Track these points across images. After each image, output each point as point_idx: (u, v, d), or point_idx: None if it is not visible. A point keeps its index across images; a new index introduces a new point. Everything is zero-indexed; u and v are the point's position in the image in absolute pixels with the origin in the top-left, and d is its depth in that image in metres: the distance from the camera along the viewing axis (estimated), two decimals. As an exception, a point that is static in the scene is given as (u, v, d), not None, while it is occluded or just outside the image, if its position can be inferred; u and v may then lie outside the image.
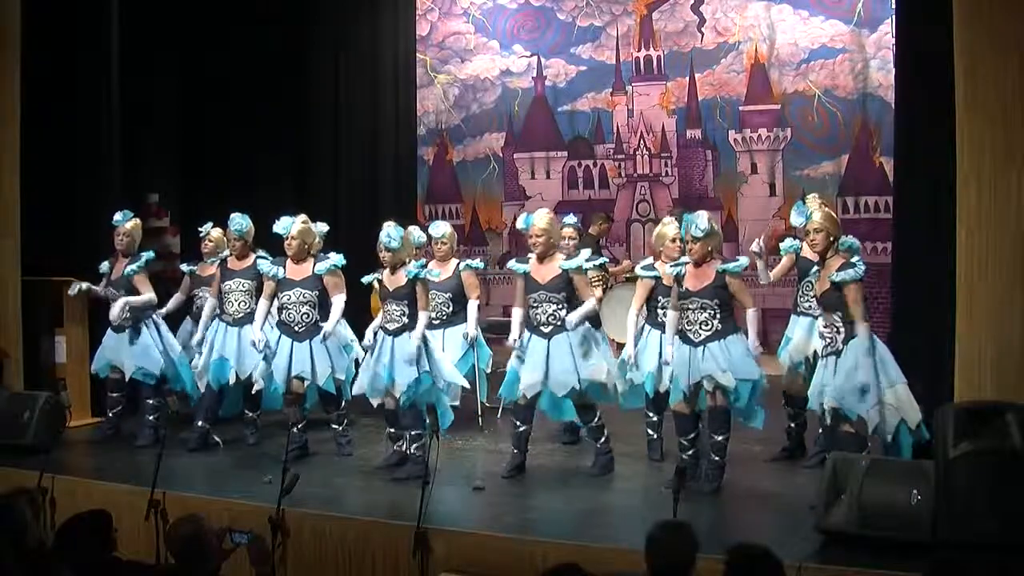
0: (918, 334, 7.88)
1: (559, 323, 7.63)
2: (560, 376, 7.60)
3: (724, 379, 7.22)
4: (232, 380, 8.69)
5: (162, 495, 6.66)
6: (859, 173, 12.17)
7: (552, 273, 7.68)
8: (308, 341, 8.25)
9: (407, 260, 7.97)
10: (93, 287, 9.26)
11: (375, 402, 8.01)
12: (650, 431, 8.35)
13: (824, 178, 12.32)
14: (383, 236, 7.85)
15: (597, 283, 8.91)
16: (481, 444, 8.95)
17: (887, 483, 6.17)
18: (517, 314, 7.87)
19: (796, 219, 7.34)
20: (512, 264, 7.90)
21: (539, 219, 7.72)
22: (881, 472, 6.26)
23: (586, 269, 7.85)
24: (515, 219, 13.56)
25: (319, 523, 6.80)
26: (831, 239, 6.91)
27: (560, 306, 7.64)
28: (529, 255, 7.88)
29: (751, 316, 7.27)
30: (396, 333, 7.83)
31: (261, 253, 8.83)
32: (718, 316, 7.28)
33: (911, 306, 8.05)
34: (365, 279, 8.47)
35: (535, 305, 7.70)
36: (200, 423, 8.83)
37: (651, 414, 8.28)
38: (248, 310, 8.71)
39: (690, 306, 7.36)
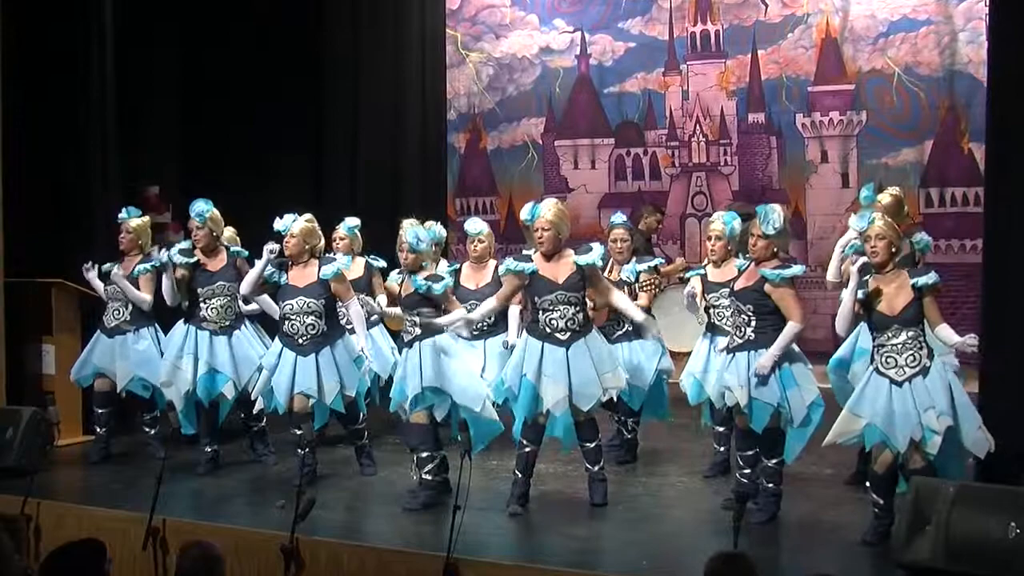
0: (1013, 343, 7.78)
1: (577, 328, 7.54)
2: (584, 388, 7.51)
3: (739, 394, 7.21)
4: (231, 394, 8.76)
5: (162, 522, 6.67)
6: (945, 161, 12.06)
7: (567, 271, 7.55)
8: (314, 355, 8.23)
9: (425, 264, 7.93)
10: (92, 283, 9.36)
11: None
12: (716, 445, 8.50)
13: (905, 167, 12.22)
14: (410, 236, 7.78)
15: (648, 287, 8.85)
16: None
17: (979, 513, 6.10)
18: (515, 312, 8.36)
19: (857, 223, 7.41)
20: (512, 264, 7.65)
21: (547, 210, 7.58)
22: (972, 500, 6.18)
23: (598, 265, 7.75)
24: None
25: (337, 552, 6.80)
26: (893, 250, 6.88)
27: (578, 308, 7.56)
28: (526, 252, 7.80)
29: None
30: (409, 345, 7.82)
31: (235, 248, 8.93)
32: (754, 322, 7.23)
33: (1005, 311, 7.94)
34: (392, 276, 8.36)
35: (549, 309, 7.53)
36: (208, 448, 8.90)
37: (716, 426, 8.38)
38: (234, 315, 8.84)
39: (728, 307, 7.48)
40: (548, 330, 7.55)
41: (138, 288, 9.08)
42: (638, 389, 8.56)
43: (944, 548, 6.06)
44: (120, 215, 9.28)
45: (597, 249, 7.66)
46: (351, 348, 8.42)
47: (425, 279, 7.70)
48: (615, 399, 8.29)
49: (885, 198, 7.80)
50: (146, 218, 9.41)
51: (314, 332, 8.24)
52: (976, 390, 7.64)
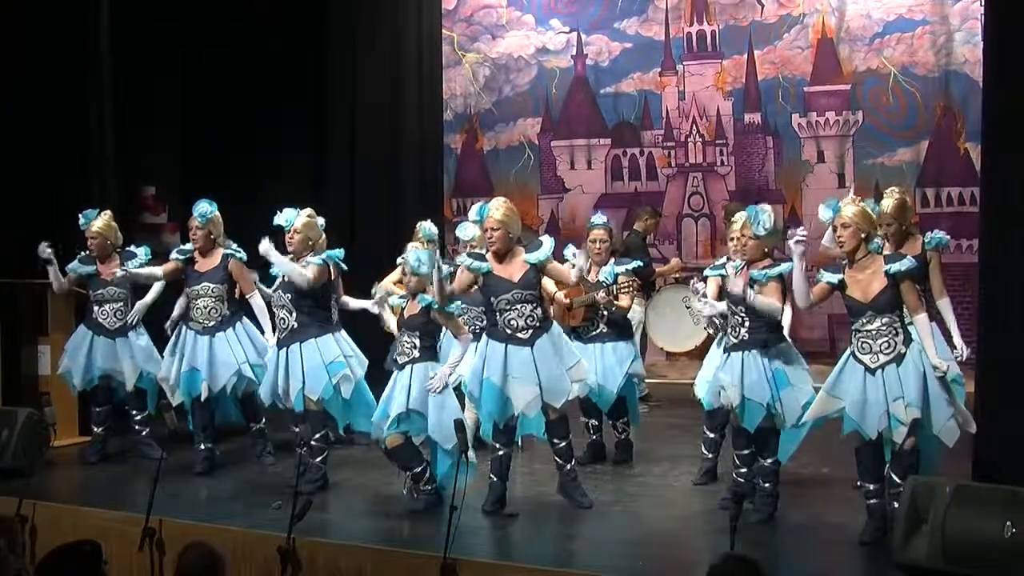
0: (1012, 342, 7.76)
1: (538, 324, 7.49)
2: (554, 385, 7.46)
3: (732, 393, 7.21)
4: (204, 394, 8.73)
5: (158, 523, 6.63)
6: (941, 161, 12.09)
7: (521, 269, 7.50)
8: (285, 350, 8.19)
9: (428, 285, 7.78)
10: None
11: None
12: (704, 450, 8.31)
13: (901, 167, 12.24)
14: (412, 259, 7.58)
15: (627, 289, 8.75)
16: (514, 466, 8.88)
17: (976, 513, 6.08)
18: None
19: (824, 213, 7.28)
20: (468, 261, 7.56)
21: (495, 210, 7.51)
22: (968, 500, 6.16)
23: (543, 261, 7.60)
24: (568, 213, 13.70)
25: (334, 553, 6.79)
26: (862, 236, 6.84)
27: (535, 304, 7.51)
28: (479, 250, 7.67)
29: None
30: (402, 367, 7.67)
31: (232, 248, 8.84)
32: (747, 323, 7.25)
33: (1003, 311, 7.92)
34: (393, 301, 8.16)
35: (507, 308, 7.48)
36: (203, 446, 8.87)
37: (708, 432, 8.21)
38: (219, 317, 8.80)
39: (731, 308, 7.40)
40: (509, 331, 7.50)
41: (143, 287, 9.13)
42: (607, 391, 8.52)
43: (941, 548, 6.05)
44: (80, 223, 9.18)
45: (547, 243, 7.58)
46: (325, 350, 8.23)
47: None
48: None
49: (888, 204, 7.74)
50: (106, 215, 9.28)
51: (284, 327, 8.20)
52: (973, 390, 7.64)
